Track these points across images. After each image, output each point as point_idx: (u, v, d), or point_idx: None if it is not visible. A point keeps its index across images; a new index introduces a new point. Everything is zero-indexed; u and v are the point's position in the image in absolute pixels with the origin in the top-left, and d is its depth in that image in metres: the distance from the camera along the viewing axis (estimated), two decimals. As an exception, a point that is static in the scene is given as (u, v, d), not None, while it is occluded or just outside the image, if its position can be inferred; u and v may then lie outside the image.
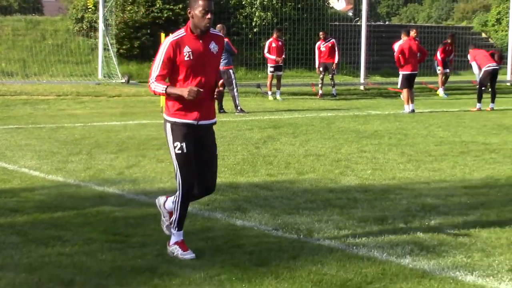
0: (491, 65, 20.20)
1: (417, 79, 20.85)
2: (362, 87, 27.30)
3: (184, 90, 6.26)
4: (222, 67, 18.89)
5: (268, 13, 31.98)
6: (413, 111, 19.31)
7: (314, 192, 9.06)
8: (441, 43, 27.08)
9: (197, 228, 7.36)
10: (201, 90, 6.27)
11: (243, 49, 30.38)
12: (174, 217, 6.55)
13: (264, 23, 31.40)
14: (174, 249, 6.47)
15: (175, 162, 6.47)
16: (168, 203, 6.73)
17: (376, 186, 9.50)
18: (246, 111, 18.87)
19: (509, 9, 32.32)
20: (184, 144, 6.41)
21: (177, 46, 6.34)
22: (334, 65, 24.62)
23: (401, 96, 20.43)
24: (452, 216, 7.89)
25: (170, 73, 6.42)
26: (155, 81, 6.38)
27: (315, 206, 8.28)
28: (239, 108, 19.04)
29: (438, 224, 7.55)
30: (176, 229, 6.53)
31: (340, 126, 16.04)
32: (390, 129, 15.53)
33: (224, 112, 18.86)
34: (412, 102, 19.51)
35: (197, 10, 6.28)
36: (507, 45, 31.43)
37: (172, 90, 6.35)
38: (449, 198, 8.79)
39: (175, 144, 6.43)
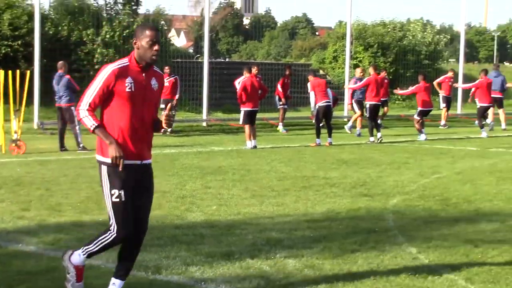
0: (325, 102, 20.91)
1: (258, 115, 21.24)
2: (204, 124, 27.53)
3: (113, 147, 5.84)
4: (64, 104, 18.65)
5: (110, 50, 31.76)
6: (255, 147, 19.62)
7: (161, 228, 9.05)
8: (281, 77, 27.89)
9: (42, 269, 7.21)
10: (122, 170, 5.88)
11: (85, 86, 29.91)
12: (90, 247, 6.17)
13: (105, 59, 31.15)
14: (71, 271, 6.23)
15: (111, 211, 6.01)
16: (74, 256, 6.24)
17: (222, 222, 9.60)
18: (89, 149, 18.63)
19: (345, 47, 33.60)
20: (122, 192, 5.97)
21: (119, 75, 5.93)
22: (174, 101, 24.70)
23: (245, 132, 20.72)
24: (297, 249, 8.09)
25: (101, 103, 5.99)
26: (86, 109, 5.94)
27: (162, 243, 8.29)
28: (81, 145, 18.75)
29: (283, 257, 7.72)
30: (86, 255, 6.22)
31: (184, 162, 16.10)
32: (233, 164, 15.74)
33: (66, 150, 18.52)
34: (254, 138, 19.83)
35: (143, 40, 5.96)
36: (343, 82, 32.62)
37: (101, 134, 5.91)
38: (293, 231, 9.01)
39: (113, 192, 5.97)
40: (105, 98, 5.96)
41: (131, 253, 6.27)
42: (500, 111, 27.00)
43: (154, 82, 6.14)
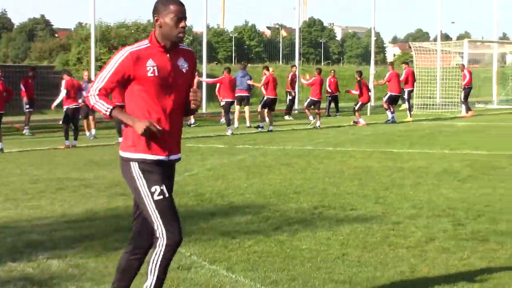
0: (74, 105, 20.92)
1: (4, 119, 20.61)
2: None
3: (139, 122, 5.04)
4: None
5: None
6: (1, 150, 19.03)
7: None
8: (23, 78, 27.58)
9: None
10: (161, 130, 5.12)
11: None
12: (149, 282, 5.23)
13: None
14: None
15: (156, 212, 5.15)
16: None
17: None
18: None
19: (89, 49, 33.35)
20: (164, 187, 5.15)
21: (137, 58, 5.13)
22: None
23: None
24: (59, 250, 8.04)
25: (115, 89, 5.30)
26: (97, 94, 5.14)
27: None
28: None
29: (46, 258, 7.65)
30: None
31: None
32: (-19, 169, 15.20)
33: None
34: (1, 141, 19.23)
35: (167, 17, 5.13)
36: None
37: (120, 115, 5.10)
38: (54, 233, 8.92)
39: (153, 189, 5.13)
40: (120, 84, 5.19)
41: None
42: (246, 108, 28.10)
43: (182, 62, 5.32)
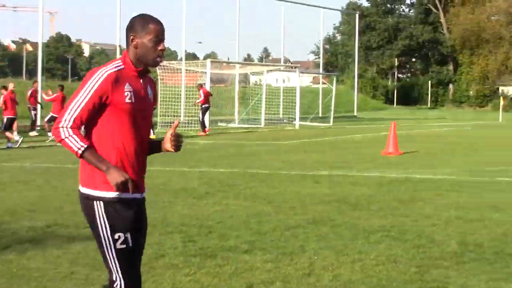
0: None
1: None
2: None
3: (114, 172, 4.38)
4: None
5: None
6: None
7: None
8: None
9: None
10: (135, 185, 4.53)
11: None
12: None
13: None
14: None
15: (114, 261, 4.55)
16: None
17: None
18: None
19: None
20: (129, 235, 4.54)
21: (115, 80, 4.48)
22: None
23: None
24: None
25: (89, 120, 4.48)
26: (70, 127, 4.39)
27: None
28: None
29: None
30: None
31: None
32: None
33: None
34: None
35: (146, 37, 4.53)
36: None
37: (94, 158, 4.40)
38: None
39: (116, 236, 4.50)
40: (95, 112, 4.49)
41: None
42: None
43: (149, 91, 4.78)
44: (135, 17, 4.66)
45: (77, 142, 4.41)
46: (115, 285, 4.60)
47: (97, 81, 4.45)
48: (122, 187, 4.41)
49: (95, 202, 4.50)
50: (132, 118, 4.54)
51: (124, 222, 4.53)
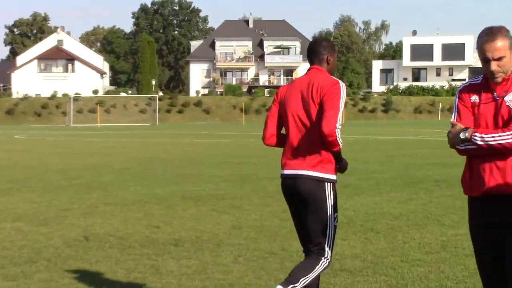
0: None
1: None
2: None
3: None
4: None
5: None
6: None
7: None
8: None
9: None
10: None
11: None
12: (305, 279, 5.40)
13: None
14: None
15: (331, 236, 5.48)
16: None
17: None
18: None
19: None
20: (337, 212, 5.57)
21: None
22: None
23: None
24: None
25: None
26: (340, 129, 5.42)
27: None
28: None
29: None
30: None
31: None
32: None
33: None
34: None
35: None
36: None
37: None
38: None
39: (335, 215, 5.50)
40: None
41: None
42: None
43: None
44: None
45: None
46: (325, 259, 5.50)
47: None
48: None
49: (327, 184, 5.42)
50: None
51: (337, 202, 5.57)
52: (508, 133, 4.37)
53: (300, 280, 5.39)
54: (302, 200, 5.45)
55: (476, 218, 4.70)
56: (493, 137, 4.39)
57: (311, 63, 5.63)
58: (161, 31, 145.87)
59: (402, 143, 33.78)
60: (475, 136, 4.43)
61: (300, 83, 5.58)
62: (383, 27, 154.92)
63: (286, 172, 5.56)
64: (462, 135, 4.46)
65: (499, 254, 4.57)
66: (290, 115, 5.52)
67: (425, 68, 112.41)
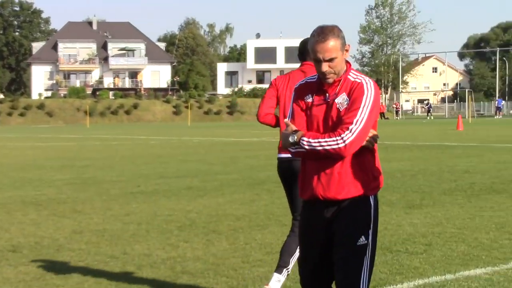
0: None
1: None
2: None
3: None
4: None
5: None
6: None
7: None
8: None
9: None
10: None
11: None
12: (293, 257, 6.54)
13: None
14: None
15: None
16: None
17: None
18: None
19: None
20: None
21: None
22: None
23: None
24: None
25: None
26: None
27: None
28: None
29: None
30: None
31: None
32: None
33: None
34: None
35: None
36: None
37: None
38: None
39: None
40: None
41: None
42: None
43: None
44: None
45: None
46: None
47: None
48: None
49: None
50: None
51: None
52: (334, 138, 4.32)
53: (289, 261, 6.47)
54: (296, 179, 5.48)
55: (303, 220, 4.72)
56: (319, 142, 4.35)
57: (303, 60, 6.47)
58: (1, 32, 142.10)
59: (246, 144, 34.28)
60: (303, 140, 4.38)
61: (298, 76, 6.30)
62: (228, 29, 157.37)
63: (282, 156, 6.39)
64: (291, 139, 4.41)
65: (324, 259, 4.59)
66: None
67: (269, 71, 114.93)
